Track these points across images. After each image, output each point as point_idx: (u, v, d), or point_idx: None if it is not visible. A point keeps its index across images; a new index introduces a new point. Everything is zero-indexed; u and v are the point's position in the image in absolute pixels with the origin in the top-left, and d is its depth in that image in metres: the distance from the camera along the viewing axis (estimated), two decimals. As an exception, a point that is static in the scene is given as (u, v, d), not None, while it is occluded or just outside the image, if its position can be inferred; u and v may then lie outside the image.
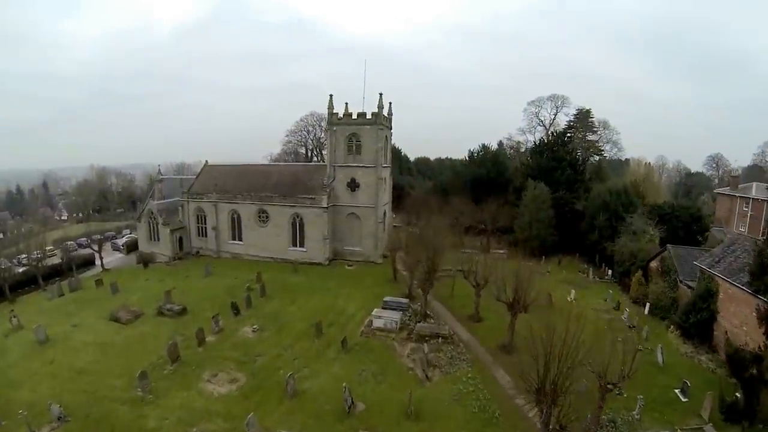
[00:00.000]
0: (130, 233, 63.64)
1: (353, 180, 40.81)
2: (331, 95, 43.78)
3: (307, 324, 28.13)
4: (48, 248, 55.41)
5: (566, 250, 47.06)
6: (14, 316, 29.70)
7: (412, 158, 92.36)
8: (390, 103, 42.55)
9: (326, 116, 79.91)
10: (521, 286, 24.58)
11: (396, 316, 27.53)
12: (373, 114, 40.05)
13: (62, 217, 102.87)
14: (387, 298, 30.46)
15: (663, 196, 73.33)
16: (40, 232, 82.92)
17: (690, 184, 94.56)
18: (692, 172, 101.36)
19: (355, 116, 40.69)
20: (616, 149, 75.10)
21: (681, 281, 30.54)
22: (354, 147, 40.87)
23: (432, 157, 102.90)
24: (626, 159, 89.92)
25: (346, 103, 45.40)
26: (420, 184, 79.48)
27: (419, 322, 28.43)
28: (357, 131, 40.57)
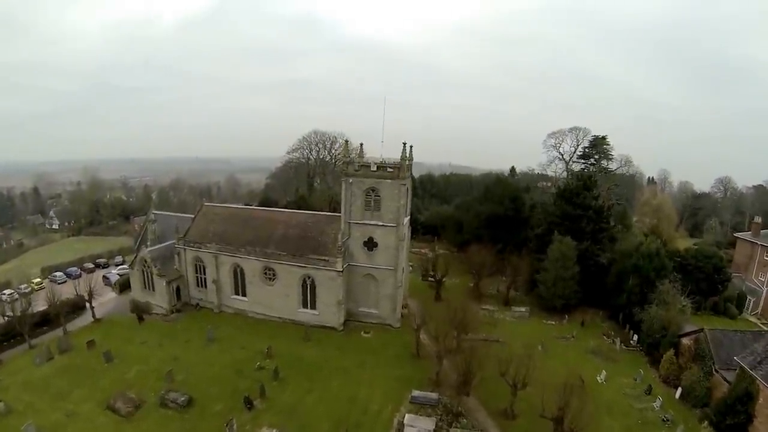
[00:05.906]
0: (123, 261, 59.79)
1: (371, 239, 37.39)
2: (346, 141, 40.31)
3: (330, 424, 25.95)
4: (35, 281, 52.00)
5: (589, 304, 45.13)
6: (0, 400, 26.87)
7: (413, 165, 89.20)
8: (411, 147, 38.71)
9: (330, 136, 77.75)
10: (570, 406, 22.40)
11: (430, 425, 25.16)
12: (394, 167, 36.48)
13: (53, 226, 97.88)
14: (415, 393, 28.12)
15: (675, 224, 72.22)
16: (28, 248, 79.14)
17: (696, 206, 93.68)
18: (698, 193, 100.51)
19: (373, 168, 36.75)
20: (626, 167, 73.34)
21: (717, 370, 29.19)
22: (372, 202, 37.13)
23: (430, 162, 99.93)
24: (632, 175, 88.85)
25: (361, 144, 41.70)
26: (428, 206, 76.85)
27: (452, 424, 26.31)
28: (376, 185, 36.78)
